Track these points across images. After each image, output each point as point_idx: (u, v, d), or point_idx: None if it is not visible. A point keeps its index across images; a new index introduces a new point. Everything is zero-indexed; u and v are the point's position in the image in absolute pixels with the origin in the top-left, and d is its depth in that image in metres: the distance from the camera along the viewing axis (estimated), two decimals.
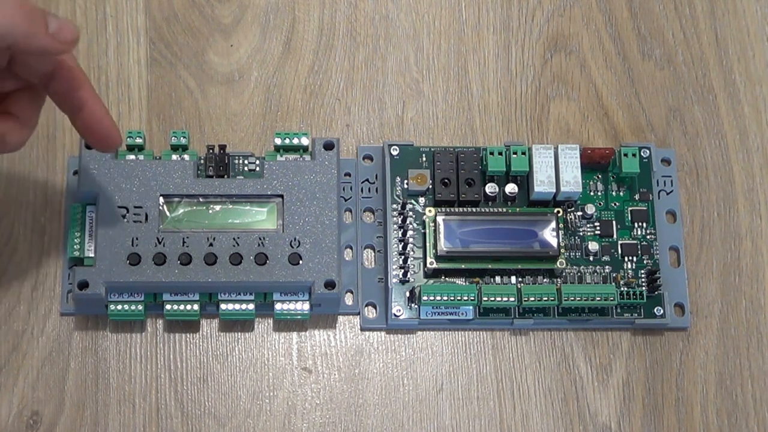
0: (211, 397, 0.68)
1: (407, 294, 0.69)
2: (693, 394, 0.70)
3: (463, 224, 0.69)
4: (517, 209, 0.71)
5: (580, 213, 0.71)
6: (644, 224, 0.71)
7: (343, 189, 0.71)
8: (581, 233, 0.71)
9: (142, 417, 0.67)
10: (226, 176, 0.69)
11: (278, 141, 0.70)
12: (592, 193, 0.72)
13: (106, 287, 0.66)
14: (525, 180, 0.71)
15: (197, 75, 0.74)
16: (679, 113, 0.75)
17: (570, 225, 0.71)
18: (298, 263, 0.67)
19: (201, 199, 0.68)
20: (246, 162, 0.70)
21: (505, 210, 0.70)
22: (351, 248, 0.70)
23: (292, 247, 0.67)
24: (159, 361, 0.68)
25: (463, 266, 0.69)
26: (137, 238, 0.66)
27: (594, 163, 0.72)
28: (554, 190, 0.70)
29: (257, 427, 0.68)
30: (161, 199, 0.68)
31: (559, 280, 0.70)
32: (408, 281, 0.70)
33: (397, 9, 0.76)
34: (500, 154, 0.71)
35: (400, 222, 0.70)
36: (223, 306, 0.67)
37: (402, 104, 0.74)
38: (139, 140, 0.69)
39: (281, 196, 0.68)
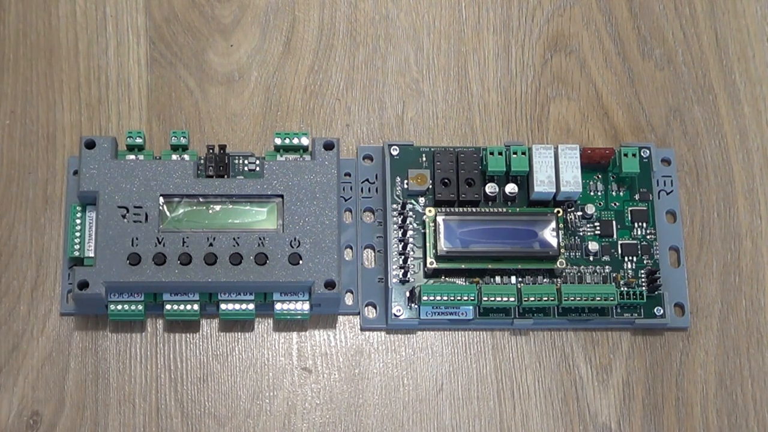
0: (211, 397, 0.68)
1: (407, 294, 0.69)
2: (693, 394, 0.70)
3: (463, 224, 0.69)
4: (517, 209, 0.71)
5: (580, 213, 0.71)
6: (644, 224, 0.71)
7: (343, 189, 0.71)
8: (581, 233, 0.71)
9: (142, 417, 0.67)
10: (226, 176, 0.69)
11: (278, 141, 0.70)
12: (592, 193, 0.72)
13: (106, 287, 0.66)
14: (525, 180, 0.71)
15: (197, 75, 0.74)
16: (679, 113, 0.75)
17: (570, 225, 0.71)
18: (298, 263, 0.67)
19: (201, 199, 0.68)
20: (246, 162, 0.70)
21: (505, 210, 0.70)
22: (351, 248, 0.70)
23: (292, 247, 0.67)
24: (159, 361, 0.68)
25: (463, 266, 0.69)
26: (137, 238, 0.66)
27: (594, 163, 0.72)
28: (554, 190, 0.70)
29: (257, 427, 0.68)
30: (161, 199, 0.68)
31: (559, 280, 0.70)
32: (408, 281, 0.69)
33: (397, 9, 0.76)
34: (500, 154, 0.71)
35: (400, 222, 0.70)
36: (223, 306, 0.67)
37: (402, 104, 0.74)
38: (139, 140, 0.69)
39: (281, 196, 0.68)
